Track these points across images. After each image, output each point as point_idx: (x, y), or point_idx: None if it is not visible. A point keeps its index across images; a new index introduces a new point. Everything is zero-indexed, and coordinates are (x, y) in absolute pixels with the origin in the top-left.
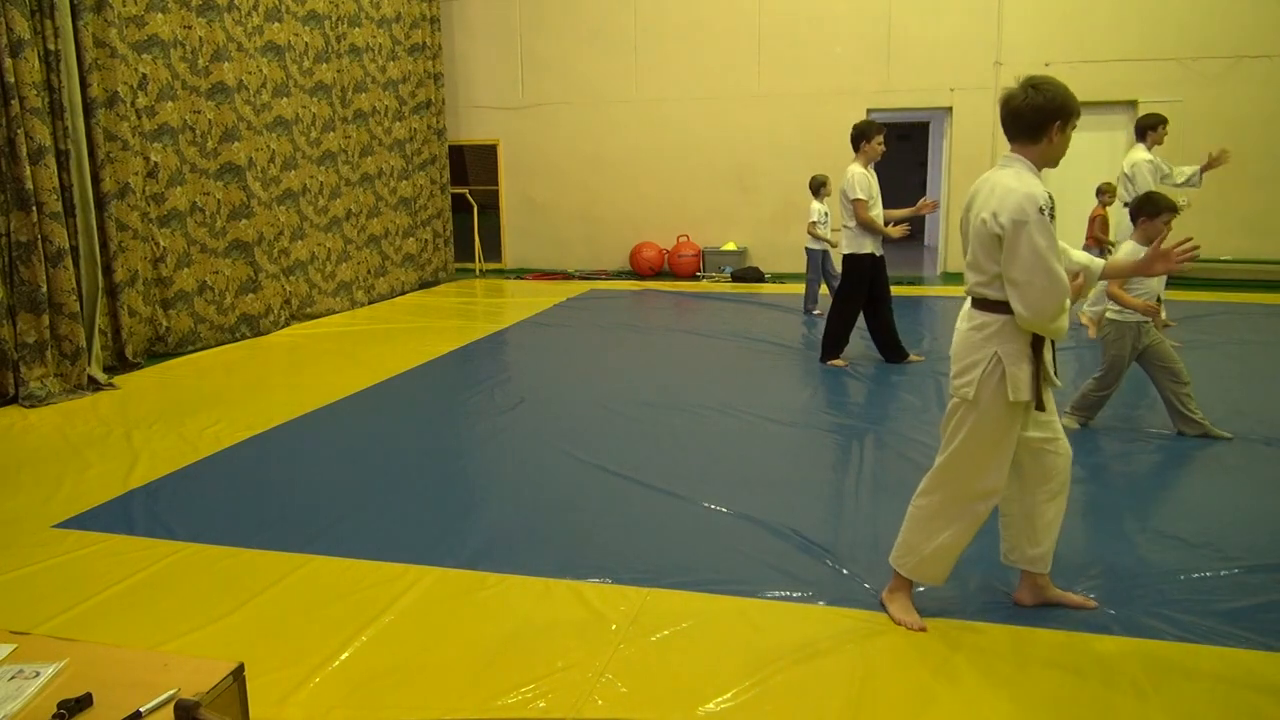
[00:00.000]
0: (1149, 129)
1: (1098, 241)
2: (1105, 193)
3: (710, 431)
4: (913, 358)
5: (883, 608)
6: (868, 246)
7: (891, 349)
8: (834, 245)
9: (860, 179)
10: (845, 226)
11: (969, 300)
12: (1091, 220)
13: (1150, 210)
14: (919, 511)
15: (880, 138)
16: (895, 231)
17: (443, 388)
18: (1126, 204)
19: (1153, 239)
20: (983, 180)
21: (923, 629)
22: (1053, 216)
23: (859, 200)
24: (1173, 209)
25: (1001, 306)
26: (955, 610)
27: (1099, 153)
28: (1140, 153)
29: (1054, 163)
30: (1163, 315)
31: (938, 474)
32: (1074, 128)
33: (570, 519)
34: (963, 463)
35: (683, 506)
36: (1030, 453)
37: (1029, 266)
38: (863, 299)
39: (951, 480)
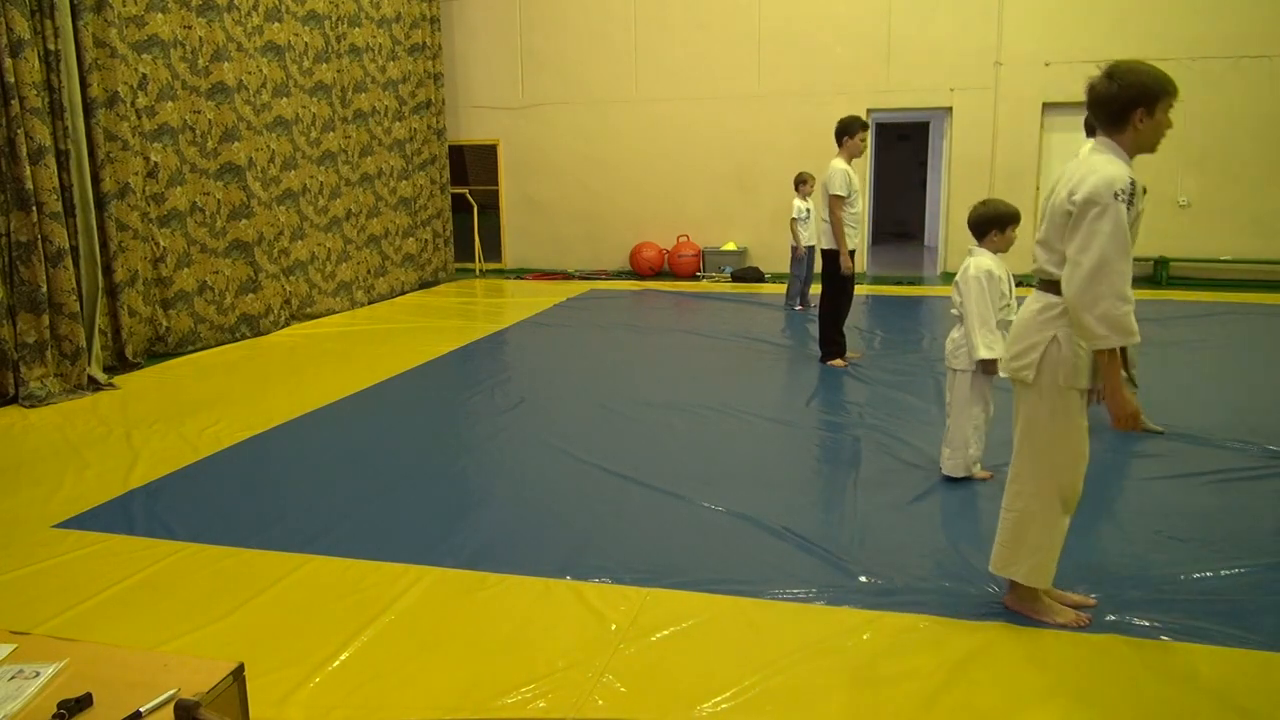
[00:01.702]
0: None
1: None
2: None
3: (710, 431)
4: (850, 355)
5: (1025, 618)
6: (847, 241)
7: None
8: (799, 244)
9: (841, 175)
10: (825, 221)
11: (1037, 282)
12: None
13: (999, 223)
14: (1012, 514)
15: (864, 134)
16: (846, 263)
17: (443, 388)
18: None
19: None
20: (1072, 160)
21: (1086, 621)
22: (1130, 202)
23: (835, 196)
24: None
25: None
26: (955, 609)
27: None
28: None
29: (1149, 148)
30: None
31: (1015, 464)
32: (1169, 109)
33: (570, 519)
34: (1036, 454)
35: (683, 506)
36: None
37: (1082, 246)
38: (849, 293)
39: (1029, 474)
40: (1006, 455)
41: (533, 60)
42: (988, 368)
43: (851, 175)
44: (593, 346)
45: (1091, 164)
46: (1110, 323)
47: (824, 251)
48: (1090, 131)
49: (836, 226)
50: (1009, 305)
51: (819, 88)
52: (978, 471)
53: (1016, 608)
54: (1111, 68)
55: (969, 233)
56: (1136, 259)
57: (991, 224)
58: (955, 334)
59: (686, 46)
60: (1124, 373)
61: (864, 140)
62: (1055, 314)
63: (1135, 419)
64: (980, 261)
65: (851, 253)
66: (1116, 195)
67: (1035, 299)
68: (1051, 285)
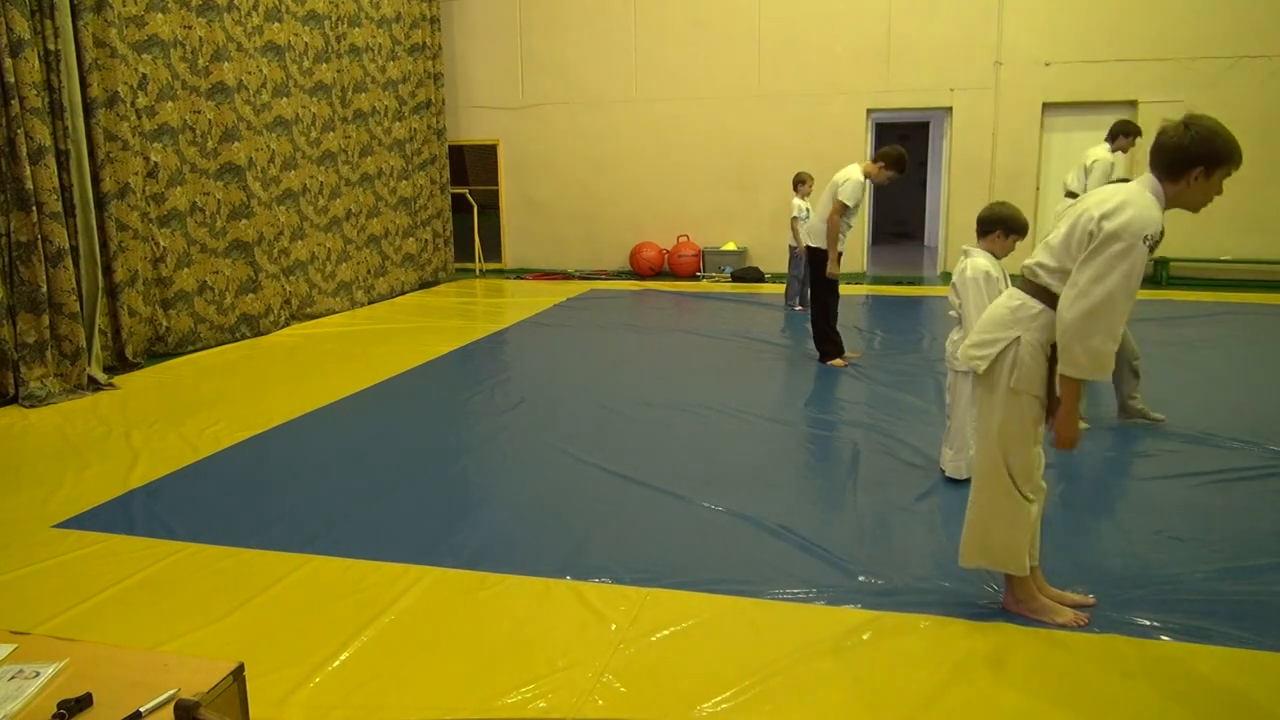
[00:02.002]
0: (1122, 134)
1: None
2: None
3: (710, 431)
4: (850, 355)
5: (1025, 618)
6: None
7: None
8: (799, 243)
9: (856, 186)
10: (822, 221)
11: (1020, 279)
12: None
13: (1006, 227)
14: (976, 505)
15: (892, 174)
16: (834, 267)
17: (443, 388)
18: (1069, 193)
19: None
20: (1113, 186)
21: (1085, 620)
22: (1152, 250)
23: (839, 203)
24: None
25: (1052, 299)
26: (955, 609)
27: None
28: (1104, 151)
29: (1190, 208)
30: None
31: (975, 457)
32: (1225, 176)
33: (571, 519)
34: (988, 444)
35: (683, 506)
36: None
37: (1096, 277)
38: (835, 291)
39: (988, 465)
40: None
41: (533, 60)
42: None
43: (865, 190)
44: (593, 346)
45: (1131, 194)
46: (1094, 358)
47: (810, 249)
48: (1113, 137)
49: (831, 230)
50: None
51: (819, 87)
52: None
53: (1016, 609)
54: (1190, 119)
55: (974, 233)
56: None
57: (999, 226)
58: (955, 335)
59: (686, 46)
60: (1129, 365)
61: (890, 177)
62: (1029, 315)
63: (1075, 442)
64: (977, 262)
65: (839, 252)
66: (1145, 239)
67: (1013, 295)
68: (1039, 291)
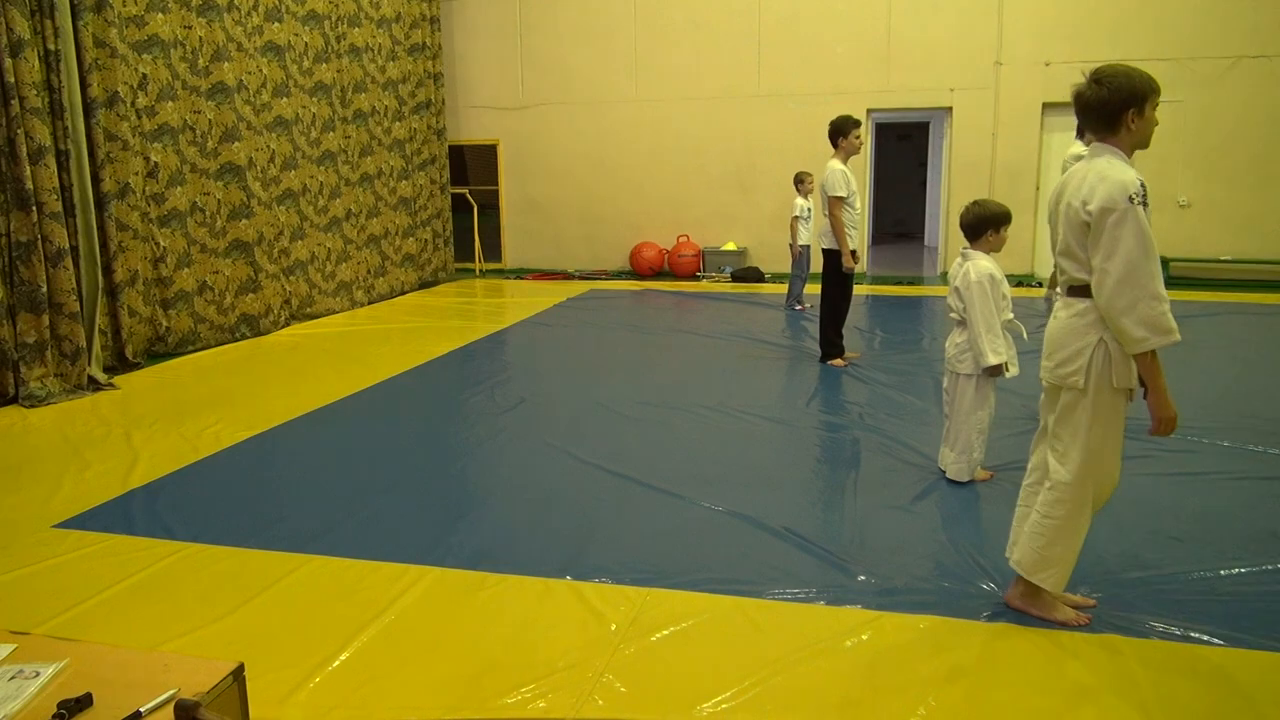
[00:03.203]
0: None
1: None
2: None
3: (710, 431)
4: (850, 355)
5: (1022, 613)
6: (849, 241)
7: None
8: (797, 241)
9: (839, 176)
10: (825, 217)
11: (1066, 289)
12: None
13: (995, 224)
14: (1053, 521)
15: (858, 132)
16: (848, 261)
17: (443, 388)
18: None
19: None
20: (1074, 169)
21: (1086, 620)
22: (1145, 203)
23: (835, 198)
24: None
25: None
26: (955, 609)
27: None
28: (1083, 147)
29: (1144, 145)
30: None
31: (1056, 471)
32: (1155, 106)
33: (570, 519)
34: (1086, 458)
35: (683, 506)
36: None
37: (1107, 253)
38: (848, 292)
39: (1076, 478)
40: (1006, 455)
41: (533, 60)
42: (994, 372)
43: (849, 175)
44: (593, 346)
45: (1098, 171)
46: (1149, 323)
47: (824, 251)
48: (1081, 134)
49: (838, 227)
50: (1009, 305)
51: (819, 88)
52: (980, 473)
53: (1020, 605)
54: (1097, 73)
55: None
56: None
57: (987, 225)
58: (957, 338)
59: (686, 46)
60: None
61: (859, 138)
62: (1095, 318)
63: (1174, 423)
64: (980, 265)
65: (854, 252)
66: (1131, 199)
67: (1067, 305)
68: (1082, 290)
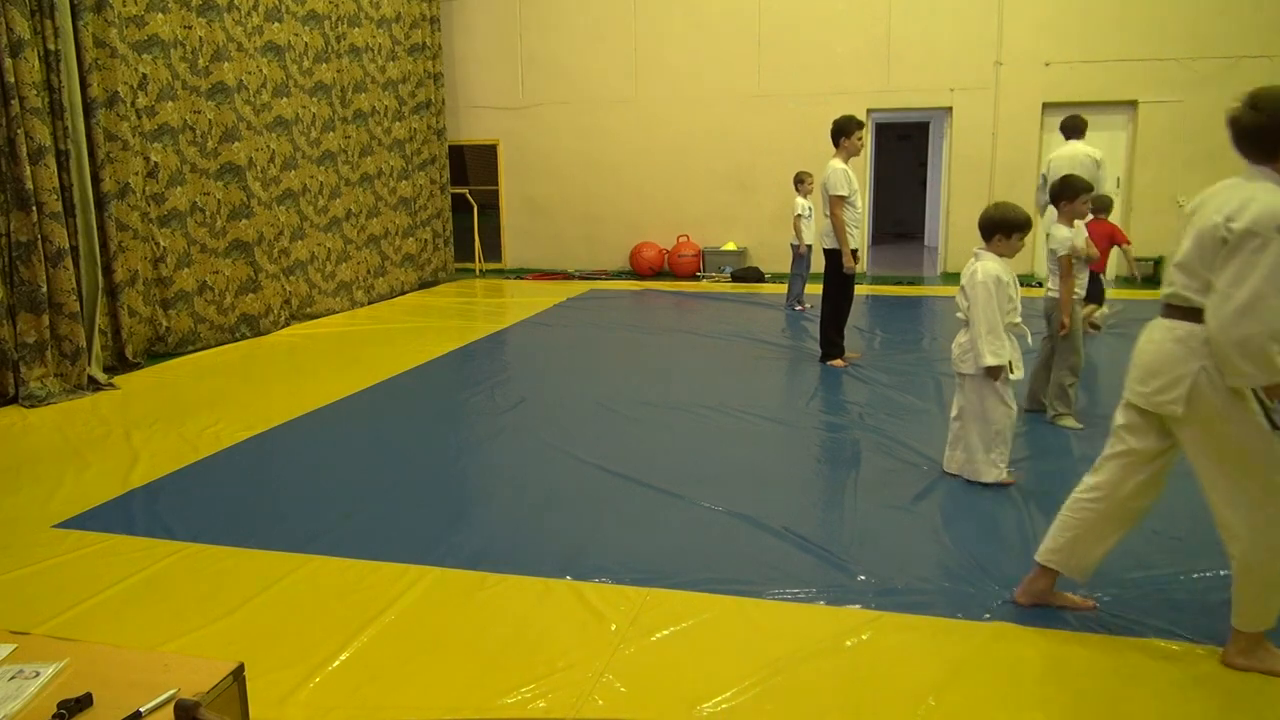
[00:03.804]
0: (1080, 129)
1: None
2: (1102, 210)
3: (709, 431)
4: (850, 355)
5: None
6: (850, 241)
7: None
8: (800, 241)
9: (840, 175)
10: (826, 218)
11: (1166, 305)
12: (1106, 236)
13: (1069, 193)
14: (1261, 565)
15: (860, 133)
16: (849, 261)
17: (443, 388)
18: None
19: (1075, 220)
20: (1223, 184)
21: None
22: None
23: (837, 197)
24: (1089, 189)
25: None
26: (955, 609)
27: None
28: (1082, 149)
29: None
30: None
31: (1226, 512)
32: None
33: (571, 519)
34: (1247, 476)
35: (683, 506)
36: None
37: (1236, 279)
38: (850, 293)
39: (1259, 503)
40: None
41: (532, 61)
42: (993, 374)
43: (850, 175)
44: (593, 346)
45: (1252, 191)
46: (1258, 361)
47: (826, 251)
48: (1068, 133)
49: (839, 227)
50: (1016, 309)
51: (819, 88)
52: (1005, 476)
53: (1025, 599)
54: (1253, 98)
55: (974, 233)
56: (1138, 259)
57: (1000, 229)
58: (962, 338)
59: (686, 47)
60: (1069, 365)
61: (861, 139)
62: (1199, 344)
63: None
64: (988, 266)
65: (854, 251)
66: (1279, 229)
67: (1171, 327)
68: (1190, 312)
